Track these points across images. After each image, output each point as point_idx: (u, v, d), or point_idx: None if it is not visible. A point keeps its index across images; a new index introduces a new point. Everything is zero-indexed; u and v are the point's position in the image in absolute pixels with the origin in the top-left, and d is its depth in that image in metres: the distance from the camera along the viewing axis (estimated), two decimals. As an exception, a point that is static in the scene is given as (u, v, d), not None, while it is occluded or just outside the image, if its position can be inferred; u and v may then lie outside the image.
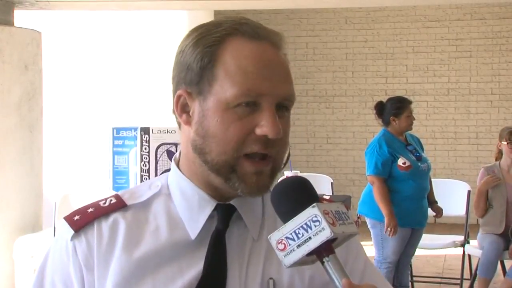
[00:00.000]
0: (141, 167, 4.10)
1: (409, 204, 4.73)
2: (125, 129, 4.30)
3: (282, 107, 1.12)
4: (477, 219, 5.59)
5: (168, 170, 1.25)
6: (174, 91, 1.17)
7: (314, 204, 0.99)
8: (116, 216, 1.17)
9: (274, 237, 1.01)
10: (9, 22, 5.49)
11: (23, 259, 5.18)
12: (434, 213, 5.11)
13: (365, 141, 8.65)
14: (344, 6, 9.41)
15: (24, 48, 5.41)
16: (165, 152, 4.10)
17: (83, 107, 7.51)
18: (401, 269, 4.99)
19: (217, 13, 8.59)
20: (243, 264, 1.13)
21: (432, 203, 5.06)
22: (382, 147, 4.75)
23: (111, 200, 1.19)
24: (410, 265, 5.34)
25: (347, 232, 1.01)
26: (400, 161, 4.72)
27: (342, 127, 10.08)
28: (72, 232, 1.15)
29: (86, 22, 7.49)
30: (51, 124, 6.59)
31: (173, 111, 1.18)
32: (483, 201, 5.37)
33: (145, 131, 4.12)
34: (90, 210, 1.18)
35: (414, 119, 4.94)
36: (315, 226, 0.98)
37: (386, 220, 4.65)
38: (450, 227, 7.23)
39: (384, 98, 5.12)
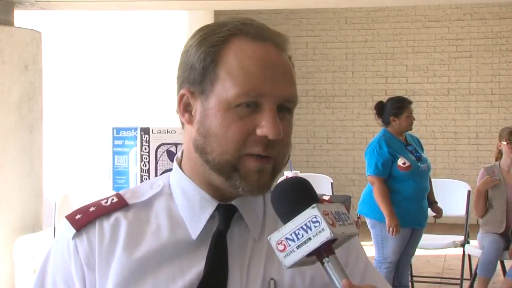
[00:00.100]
0: (141, 167, 4.10)
1: (409, 204, 4.73)
2: (125, 129, 4.29)
3: (284, 109, 1.12)
4: (477, 219, 5.59)
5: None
6: (178, 91, 1.17)
7: (314, 205, 0.99)
8: (118, 215, 1.17)
9: (274, 238, 1.01)
10: (9, 22, 5.49)
11: (23, 259, 5.19)
12: (434, 214, 5.11)
13: (365, 141, 8.64)
14: (344, 6, 9.41)
15: (24, 48, 5.41)
16: (165, 152, 4.10)
17: (83, 107, 7.51)
18: (401, 269, 4.99)
19: (217, 13, 8.60)
20: (244, 264, 1.14)
21: (432, 203, 5.06)
22: (382, 147, 4.75)
23: (112, 199, 1.19)
24: (410, 265, 5.34)
25: (347, 232, 1.01)
26: (400, 161, 4.72)
27: (342, 127, 10.09)
28: (73, 231, 1.15)
29: (86, 22, 7.49)
30: (51, 124, 6.59)
31: (177, 111, 1.18)
32: (482, 201, 5.37)
33: (145, 131, 4.12)
34: (91, 209, 1.18)
35: (414, 119, 4.94)
36: (315, 227, 0.98)
37: (387, 220, 4.65)
38: (450, 227, 7.23)
39: (384, 98, 5.12)
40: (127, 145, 4.26)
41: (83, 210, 1.18)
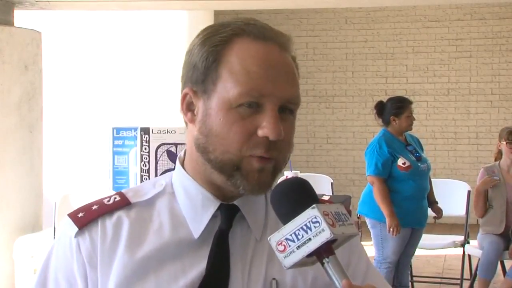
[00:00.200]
0: (141, 167, 4.09)
1: (409, 204, 4.73)
2: (125, 129, 4.29)
3: (286, 110, 1.12)
4: (477, 219, 5.59)
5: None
6: (182, 90, 1.17)
7: (313, 205, 0.99)
8: (120, 214, 1.17)
9: (274, 239, 1.01)
10: (9, 22, 5.49)
11: (23, 259, 5.18)
12: (434, 214, 5.11)
13: (365, 141, 8.64)
14: (344, 6, 9.41)
15: (24, 48, 5.40)
16: (165, 152, 4.10)
17: (83, 107, 7.51)
18: (401, 269, 4.99)
19: (217, 13, 8.60)
20: (246, 264, 1.14)
21: (432, 203, 5.06)
22: (382, 147, 4.75)
23: (115, 198, 1.19)
24: (410, 265, 5.34)
25: (347, 233, 1.01)
26: (400, 161, 4.72)
27: (342, 127, 10.08)
28: (76, 229, 1.15)
29: (86, 22, 7.49)
30: (51, 124, 6.59)
31: (180, 110, 1.18)
32: (482, 201, 5.37)
33: (145, 131, 4.11)
34: (94, 207, 1.18)
35: (414, 119, 4.94)
36: (315, 227, 0.98)
37: (387, 220, 4.65)
38: (450, 227, 7.23)
39: (384, 98, 5.12)
40: (127, 145, 4.26)
41: (86, 208, 1.18)
